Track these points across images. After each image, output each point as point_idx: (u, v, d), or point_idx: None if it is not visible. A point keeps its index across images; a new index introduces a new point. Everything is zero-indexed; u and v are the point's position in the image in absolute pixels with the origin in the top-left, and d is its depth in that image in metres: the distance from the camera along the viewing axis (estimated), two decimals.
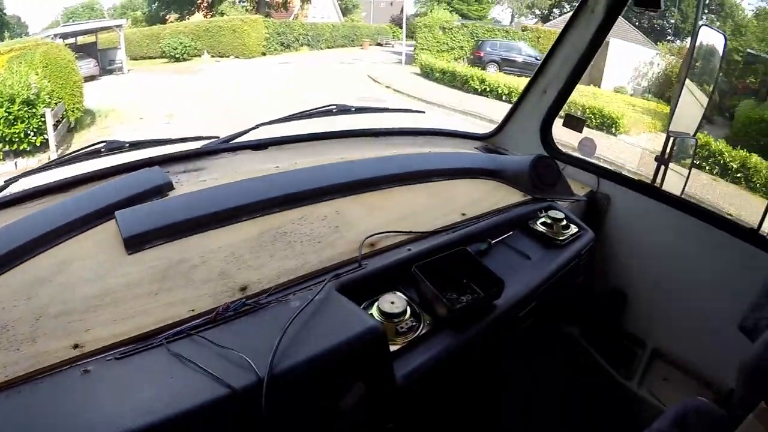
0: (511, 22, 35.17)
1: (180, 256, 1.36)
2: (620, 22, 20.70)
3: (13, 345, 1.05)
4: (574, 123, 2.51)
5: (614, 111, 15.60)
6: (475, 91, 19.41)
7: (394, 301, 1.29)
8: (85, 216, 1.48)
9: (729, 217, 2.17)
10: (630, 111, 15.68)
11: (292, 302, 1.20)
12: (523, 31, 26.94)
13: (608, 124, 15.29)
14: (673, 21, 22.85)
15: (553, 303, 1.90)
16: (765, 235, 1.94)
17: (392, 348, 1.23)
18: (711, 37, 2.74)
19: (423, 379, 1.23)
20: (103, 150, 1.84)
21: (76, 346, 1.05)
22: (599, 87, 20.07)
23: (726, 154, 12.27)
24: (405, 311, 1.29)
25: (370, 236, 1.52)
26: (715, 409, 1.47)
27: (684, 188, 2.51)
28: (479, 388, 1.78)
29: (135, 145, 1.90)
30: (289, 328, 1.08)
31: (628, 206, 2.32)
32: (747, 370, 1.44)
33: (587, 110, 15.62)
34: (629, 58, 19.88)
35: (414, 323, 1.30)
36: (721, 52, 2.71)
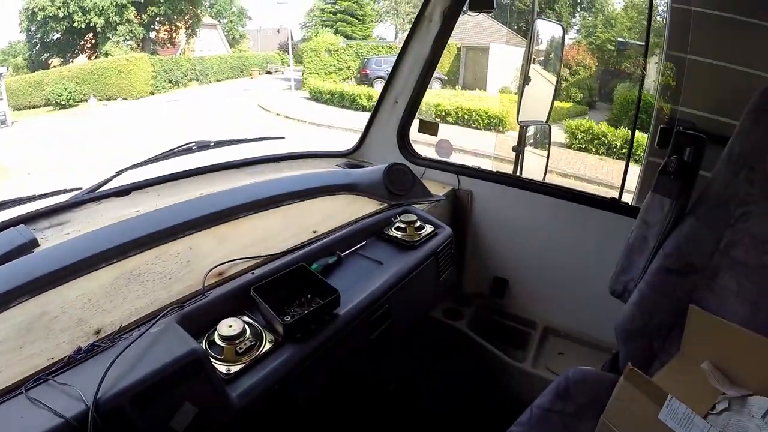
0: (395, 38, 35.80)
1: (42, 310, 1.39)
2: (500, 28, 21.52)
3: None
4: (428, 128, 2.60)
5: (500, 111, 16.28)
6: (364, 108, 19.99)
7: (231, 324, 1.33)
8: None
9: (589, 192, 2.28)
10: (515, 108, 16.32)
11: (133, 337, 1.24)
12: None
13: (495, 124, 15.92)
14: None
15: (417, 302, 1.95)
16: (625, 203, 2.10)
17: (234, 368, 1.28)
18: (549, 29, 2.91)
19: (264, 394, 1.29)
20: None
21: None
22: (485, 90, 20.76)
23: (609, 134, 13.10)
24: (243, 332, 1.34)
25: (216, 266, 1.56)
26: (599, 375, 1.54)
27: (545, 172, 2.66)
28: (343, 396, 1.81)
29: (0, 206, 1.88)
30: (120, 359, 1.14)
31: (491, 198, 2.42)
32: (621, 331, 1.55)
33: (474, 113, 16.22)
34: (509, 60, 20.62)
35: (254, 342, 1.35)
36: (560, 41, 2.89)
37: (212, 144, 2.30)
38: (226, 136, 2.40)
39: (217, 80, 32.56)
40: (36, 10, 29.34)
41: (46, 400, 1.06)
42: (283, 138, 2.76)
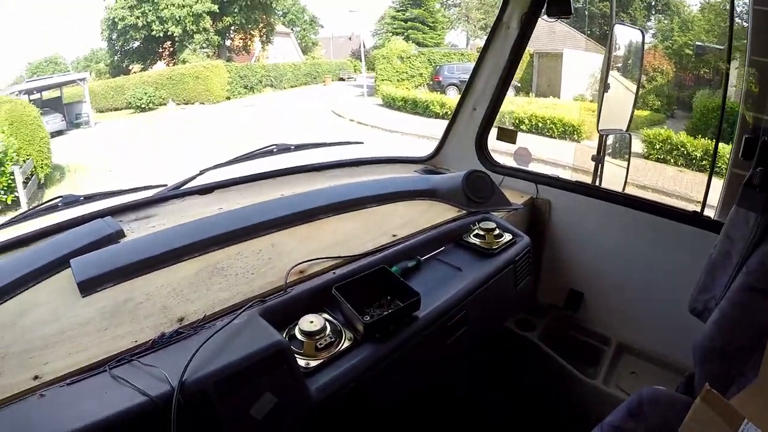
0: (467, 45, 35.60)
1: (127, 296, 1.49)
2: (573, 33, 21.06)
3: None
4: (507, 135, 2.58)
5: (574, 119, 15.88)
6: (437, 115, 19.86)
7: (312, 321, 1.38)
8: (43, 266, 1.62)
9: (670, 205, 2.20)
10: (590, 117, 15.84)
11: (217, 327, 1.30)
12: (478, 52, 27.08)
13: (570, 132, 15.55)
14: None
15: (493, 310, 1.94)
16: (707, 217, 1.98)
17: (313, 363, 1.33)
18: (628, 35, 2.84)
19: (341, 390, 1.32)
20: (60, 204, 1.99)
21: (36, 378, 1.19)
22: (559, 98, 20.30)
23: (688, 144, 12.49)
24: (323, 328, 1.38)
25: (298, 264, 1.61)
26: (673, 396, 1.47)
27: (625, 183, 2.59)
28: (414, 397, 1.81)
29: (89, 198, 2.03)
30: (205, 346, 1.20)
31: (570, 208, 2.37)
32: (699, 351, 1.47)
33: (548, 121, 15.89)
34: (584, 66, 20.08)
35: (333, 339, 1.38)
36: (639, 46, 2.81)
37: (293, 147, 2.40)
38: (301, 141, 2.46)
39: (291, 86, 33.37)
40: (116, 20, 31.13)
41: (130, 379, 1.13)
42: (362, 143, 2.80)
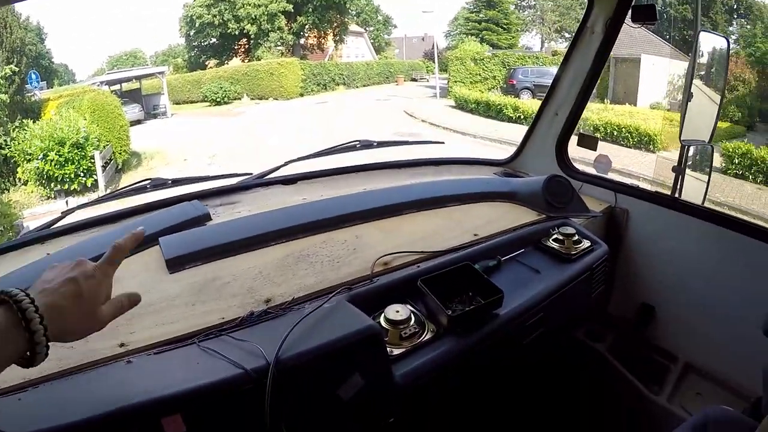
0: (541, 48, 35.16)
1: (214, 275, 1.57)
2: (651, 38, 20.34)
3: (66, 344, 1.23)
4: (587, 142, 2.55)
5: (650, 128, 15.34)
6: (510, 119, 19.35)
7: (398, 310, 1.42)
8: None
9: (753, 221, 2.10)
10: (668, 126, 15.26)
11: (307, 309, 1.35)
12: (553, 55, 27.04)
13: (646, 142, 15.05)
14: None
15: (568, 315, 1.95)
16: None
17: (396, 351, 1.36)
18: (713, 42, 2.77)
19: (421, 379, 1.35)
20: (148, 186, 2.14)
21: (122, 345, 1.26)
22: (635, 105, 19.64)
23: None
24: (409, 318, 1.41)
25: (383, 256, 1.65)
26: (738, 417, 1.43)
27: (705, 197, 2.51)
28: (485, 393, 1.83)
29: (177, 182, 2.18)
30: (298, 326, 1.25)
31: (648, 219, 2.31)
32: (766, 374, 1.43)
33: (623, 130, 15.39)
34: (662, 72, 19.38)
35: (417, 330, 1.42)
36: (724, 54, 2.73)
37: (375, 143, 2.46)
38: (371, 139, 2.52)
39: (364, 85, 33.87)
40: (194, 17, 32.48)
41: (220, 351, 1.19)
42: (443, 143, 2.84)
